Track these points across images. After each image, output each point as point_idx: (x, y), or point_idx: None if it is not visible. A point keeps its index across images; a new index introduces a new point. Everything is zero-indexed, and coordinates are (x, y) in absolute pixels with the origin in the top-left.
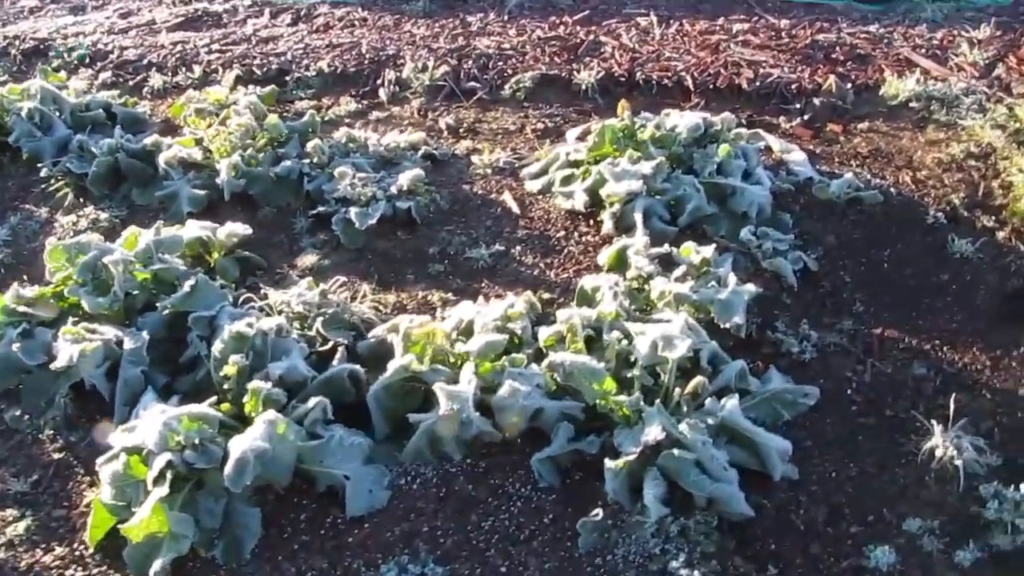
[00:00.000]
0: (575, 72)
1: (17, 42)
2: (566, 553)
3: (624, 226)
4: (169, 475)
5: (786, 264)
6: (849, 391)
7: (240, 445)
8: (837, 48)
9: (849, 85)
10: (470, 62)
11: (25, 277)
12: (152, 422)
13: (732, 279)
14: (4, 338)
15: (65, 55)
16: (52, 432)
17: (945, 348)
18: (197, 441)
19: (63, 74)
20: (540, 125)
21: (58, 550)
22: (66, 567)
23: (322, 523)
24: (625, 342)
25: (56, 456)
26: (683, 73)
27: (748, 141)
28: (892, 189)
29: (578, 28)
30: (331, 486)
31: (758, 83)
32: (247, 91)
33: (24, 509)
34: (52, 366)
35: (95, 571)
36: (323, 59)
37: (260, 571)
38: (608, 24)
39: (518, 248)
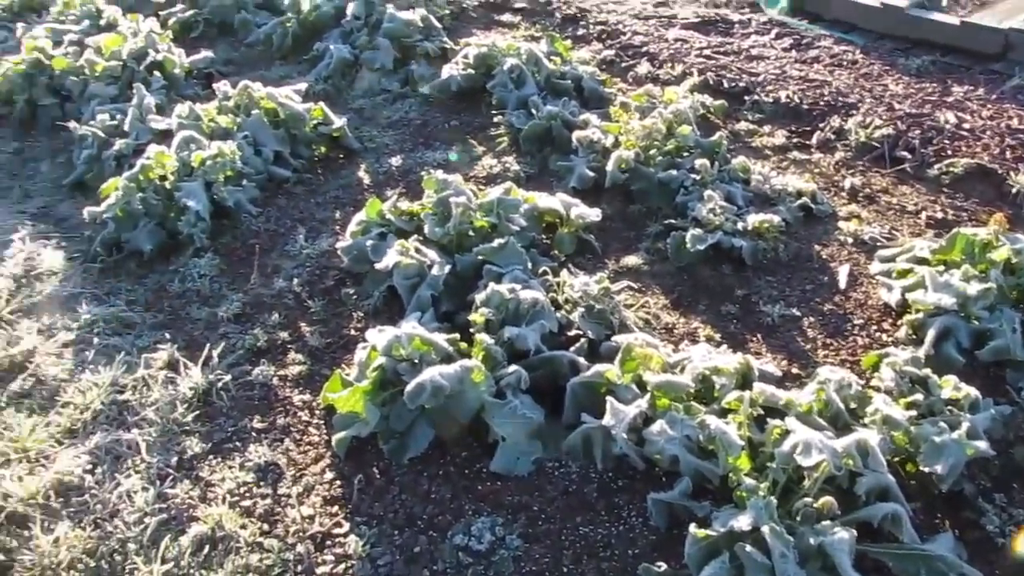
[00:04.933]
0: (1014, 173)
1: (564, 7)
2: None
3: (919, 339)
4: (376, 375)
5: None
6: None
7: (428, 374)
8: None
9: None
10: (917, 131)
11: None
12: (394, 332)
13: (966, 428)
14: (368, 234)
15: (591, 26)
16: (362, 315)
17: None
18: (417, 360)
19: (568, 42)
20: (940, 215)
21: (307, 396)
22: (301, 409)
23: (471, 465)
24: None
25: (353, 332)
26: None
27: None
28: None
29: None
30: (497, 440)
31: None
32: (699, 98)
33: (309, 360)
34: (376, 266)
35: (315, 420)
36: (787, 89)
37: (405, 475)
38: None
39: (811, 319)
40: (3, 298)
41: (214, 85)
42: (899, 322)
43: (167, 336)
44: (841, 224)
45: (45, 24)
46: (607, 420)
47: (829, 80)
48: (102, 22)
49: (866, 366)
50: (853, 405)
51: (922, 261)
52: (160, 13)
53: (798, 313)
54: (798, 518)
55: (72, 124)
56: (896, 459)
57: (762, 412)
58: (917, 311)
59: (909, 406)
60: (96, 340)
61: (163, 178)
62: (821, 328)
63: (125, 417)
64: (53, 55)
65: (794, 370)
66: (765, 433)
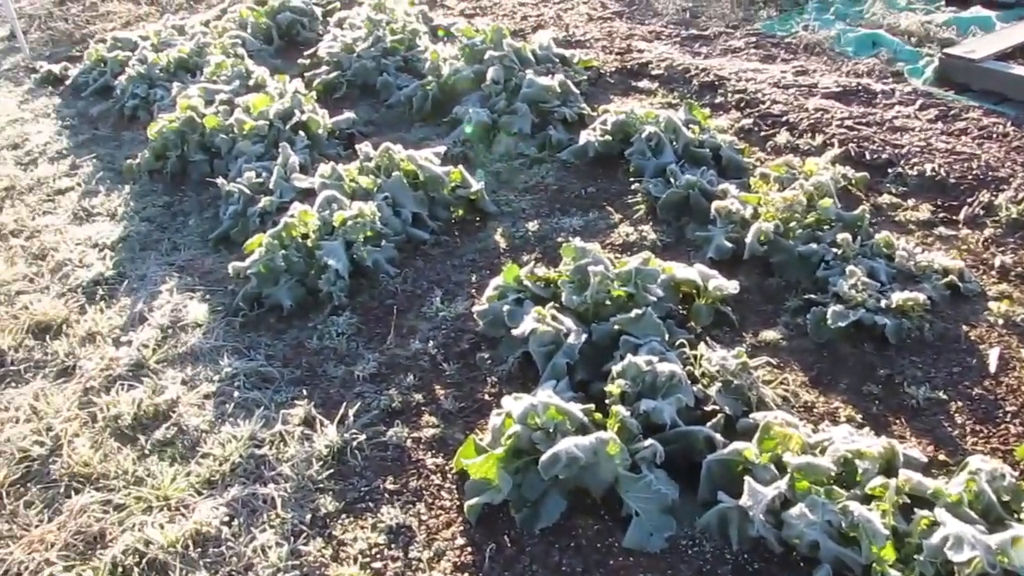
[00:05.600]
0: None
1: (701, 75)
2: None
3: None
4: (511, 443)
5: None
6: None
7: (563, 444)
8: None
9: None
10: None
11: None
12: (530, 400)
13: None
14: (504, 299)
15: (729, 94)
16: (496, 380)
17: None
18: (551, 429)
19: (706, 110)
20: None
21: (440, 459)
22: (434, 472)
23: (603, 538)
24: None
25: (487, 397)
26: None
27: None
28: None
29: None
30: (630, 515)
31: None
32: (841, 170)
33: (442, 423)
34: (512, 332)
35: (447, 485)
36: (932, 162)
37: (536, 545)
38: None
39: (959, 404)
40: (150, 348)
41: (356, 146)
42: None
43: (304, 392)
44: (991, 304)
45: (199, 84)
46: (744, 500)
47: (978, 153)
48: (251, 83)
49: (1020, 457)
50: (1006, 498)
51: None
52: (305, 74)
53: (944, 396)
54: None
55: (220, 180)
56: None
57: (907, 500)
58: None
59: None
60: (236, 393)
61: (305, 236)
62: (969, 413)
63: (262, 471)
64: (205, 113)
65: (941, 457)
66: (912, 523)
